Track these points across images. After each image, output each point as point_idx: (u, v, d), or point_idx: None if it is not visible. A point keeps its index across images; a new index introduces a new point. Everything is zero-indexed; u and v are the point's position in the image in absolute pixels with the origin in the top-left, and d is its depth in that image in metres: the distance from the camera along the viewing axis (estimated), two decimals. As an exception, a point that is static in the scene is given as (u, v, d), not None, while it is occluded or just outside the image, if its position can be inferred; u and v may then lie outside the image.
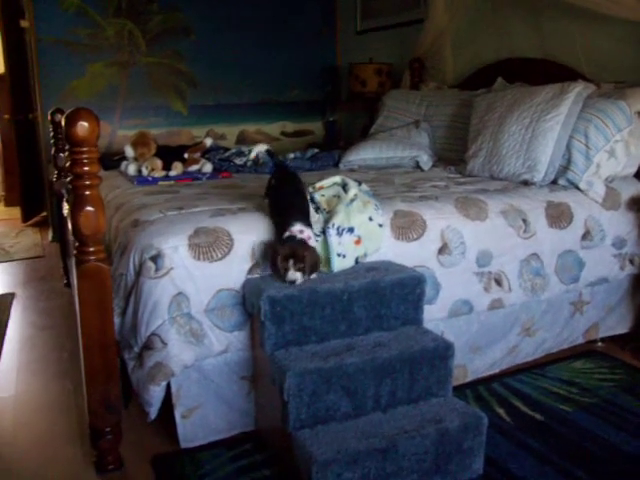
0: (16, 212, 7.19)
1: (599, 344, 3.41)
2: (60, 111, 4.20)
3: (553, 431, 2.58)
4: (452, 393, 2.45)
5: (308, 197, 2.58)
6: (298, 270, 2.28)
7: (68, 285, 4.44)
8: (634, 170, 3.44)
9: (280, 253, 2.29)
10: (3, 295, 4.41)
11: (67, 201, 3.83)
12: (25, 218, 6.90)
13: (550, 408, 2.75)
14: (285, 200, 2.47)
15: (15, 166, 6.98)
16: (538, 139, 3.31)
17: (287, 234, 2.32)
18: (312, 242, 2.34)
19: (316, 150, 4.48)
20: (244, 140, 6.07)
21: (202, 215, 2.57)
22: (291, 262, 2.27)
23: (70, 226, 2.24)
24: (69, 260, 3.94)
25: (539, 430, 2.59)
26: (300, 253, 2.26)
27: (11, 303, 4.25)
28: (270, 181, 2.65)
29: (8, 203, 7.95)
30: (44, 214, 6.85)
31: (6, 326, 3.84)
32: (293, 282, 2.29)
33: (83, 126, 2.07)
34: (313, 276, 2.37)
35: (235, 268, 2.42)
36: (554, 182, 3.32)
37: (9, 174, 7.68)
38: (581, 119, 3.30)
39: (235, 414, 2.55)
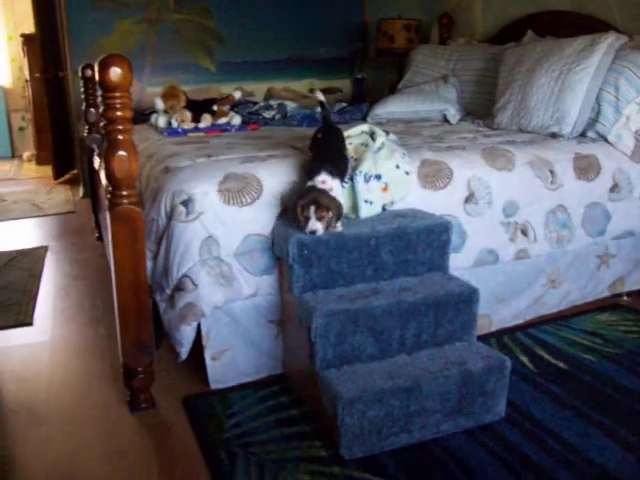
0: (48, 170, 7.30)
1: (625, 298, 3.41)
2: (90, 66, 4.25)
3: (576, 379, 2.61)
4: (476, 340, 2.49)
5: (348, 155, 2.56)
6: (319, 219, 2.27)
7: (99, 239, 4.53)
8: (665, 123, 3.40)
9: (299, 203, 2.28)
10: (37, 248, 4.52)
11: (98, 155, 3.90)
12: (56, 176, 7.02)
13: (574, 357, 2.78)
14: (321, 152, 2.47)
15: (46, 125, 7.07)
16: (567, 91, 3.28)
17: (309, 183, 2.32)
18: (334, 193, 2.31)
19: (344, 104, 4.48)
20: (272, 97, 6.05)
21: (232, 162, 2.61)
22: (312, 210, 2.25)
23: (103, 172, 2.29)
24: (100, 214, 4.02)
25: (562, 377, 2.62)
26: (322, 202, 2.25)
27: (45, 255, 4.35)
28: (316, 134, 2.62)
29: (40, 162, 8.06)
30: (75, 172, 6.95)
31: (40, 276, 3.94)
32: (314, 232, 2.28)
33: (116, 71, 2.10)
34: (339, 228, 2.37)
35: (264, 213, 2.47)
36: (582, 134, 3.31)
37: (40, 133, 7.77)
38: (612, 71, 3.27)
39: (263, 357, 2.62)
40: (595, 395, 2.48)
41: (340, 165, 2.43)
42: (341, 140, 2.58)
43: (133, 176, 2.23)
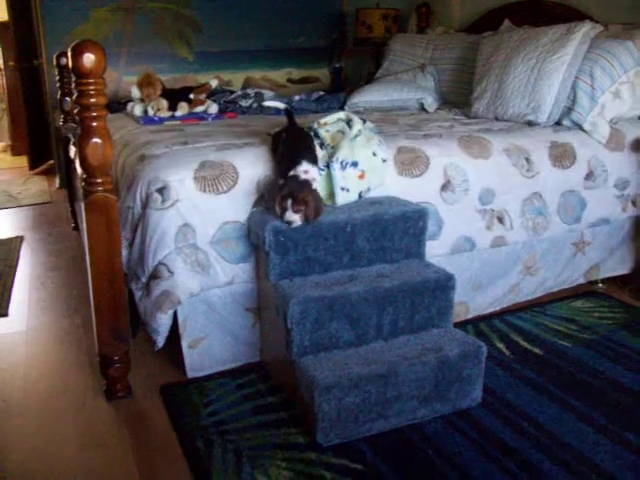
0: (23, 161, 7.22)
1: (600, 285, 3.45)
2: (65, 54, 4.19)
3: (551, 364, 2.63)
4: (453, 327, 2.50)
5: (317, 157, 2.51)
6: (296, 212, 2.26)
7: (76, 229, 4.49)
8: (640, 112, 3.43)
9: (278, 194, 2.28)
10: (12, 238, 4.47)
11: (74, 144, 3.85)
12: (32, 166, 6.94)
13: (549, 343, 2.81)
14: (294, 146, 2.44)
15: (21, 115, 6.98)
16: (543, 79, 3.30)
17: (291, 173, 2.30)
18: (316, 184, 2.32)
19: (321, 93, 4.48)
20: (249, 87, 6.03)
21: (208, 149, 2.60)
22: (289, 202, 2.24)
23: (78, 159, 2.27)
24: (76, 204, 3.99)
25: (538, 363, 2.64)
26: (300, 196, 2.24)
27: (20, 245, 4.31)
28: (280, 134, 2.58)
29: (15, 152, 7.97)
30: (51, 162, 6.88)
31: (16, 267, 3.90)
32: (290, 223, 2.28)
33: (89, 57, 2.07)
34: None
35: (240, 201, 2.46)
36: (558, 123, 3.32)
37: (15, 123, 7.67)
38: (587, 59, 3.29)
39: (240, 345, 2.62)
40: (570, 380, 2.51)
41: (315, 157, 2.42)
42: (309, 140, 2.53)
43: (108, 163, 2.21)
